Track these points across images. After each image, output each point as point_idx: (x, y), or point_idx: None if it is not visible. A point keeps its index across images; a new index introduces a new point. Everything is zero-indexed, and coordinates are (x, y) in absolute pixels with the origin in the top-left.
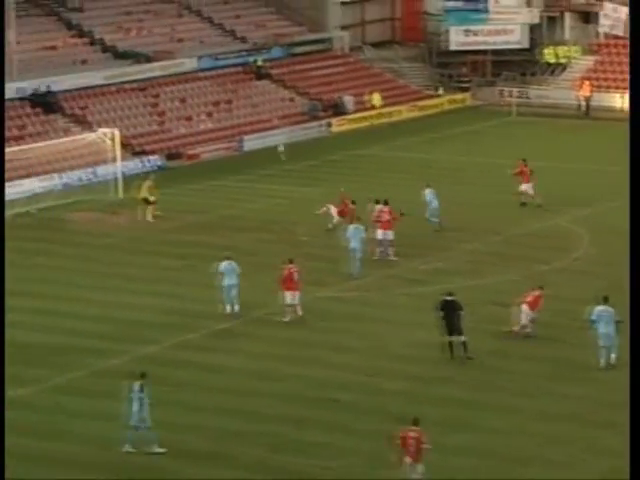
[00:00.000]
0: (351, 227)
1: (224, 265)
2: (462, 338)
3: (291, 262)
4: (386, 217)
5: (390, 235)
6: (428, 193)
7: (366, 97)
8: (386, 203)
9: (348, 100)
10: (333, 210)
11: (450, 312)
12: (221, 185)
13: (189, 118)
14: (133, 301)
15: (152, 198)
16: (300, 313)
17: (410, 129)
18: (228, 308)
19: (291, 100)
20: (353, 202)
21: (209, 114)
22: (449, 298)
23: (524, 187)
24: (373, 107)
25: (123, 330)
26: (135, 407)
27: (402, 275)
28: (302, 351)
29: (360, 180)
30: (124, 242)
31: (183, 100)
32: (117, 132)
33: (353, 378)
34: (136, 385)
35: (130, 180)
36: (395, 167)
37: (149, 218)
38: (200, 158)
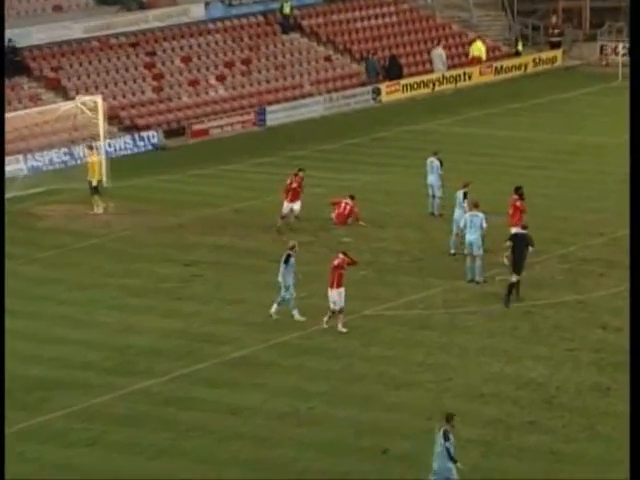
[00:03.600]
0: (467, 215)
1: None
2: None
3: (345, 255)
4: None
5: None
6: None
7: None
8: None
9: (438, 55)
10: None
11: (520, 246)
12: (236, 170)
13: (195, 83)
14: (125, 321)
15: (94, 181)
16: (343, 330)
17: (483, 97)
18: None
19: (327, 59)
20: (351, 197)
21: (221, 78)
22: (521, 231)
23: None
24: (476, 60)
25: (113, 358)
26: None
27: (474, 288)
28: (344, 386)
29: (417, 164)
30: (111, 244)
31: (187, 59)
32: (100, 101)
33: (411, 422)
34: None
35: (119, 164)
36: (464, 147)
37: (98, 210)
38: (209, 135)
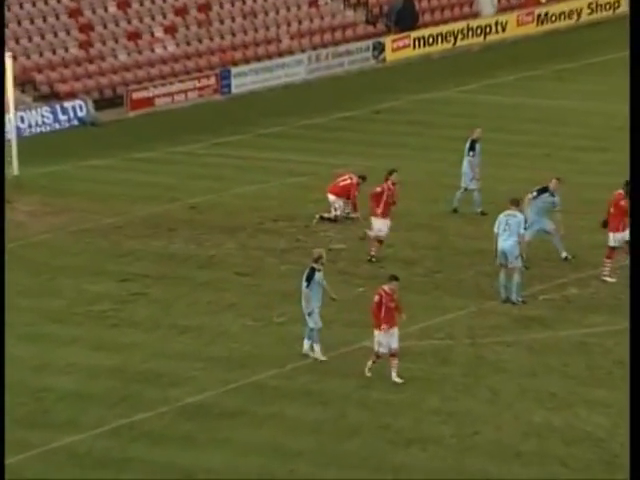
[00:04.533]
0: (501, 216)
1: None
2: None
3: (393, 280)
4: None
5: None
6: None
7: None
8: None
9: None
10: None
11: None
12: (191, 153)
13: (135, 36)
14: (42, 355)
15: None
16: (398, 380)
17: (521, 56)
18: (307, 346)
19: (313, 4)
20: (362, 177)
21: (170, 29)
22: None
23: None
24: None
25: (27, 406)
26: None
27: (509, 310)
28: (336, 442)
29: (432, 145)
30: (23, 253)
31: (124, 4)
32: (10, 60)
33: None
34: None
35: (33, 144)
36: (494, 122)
37: None
38: (154, 106)
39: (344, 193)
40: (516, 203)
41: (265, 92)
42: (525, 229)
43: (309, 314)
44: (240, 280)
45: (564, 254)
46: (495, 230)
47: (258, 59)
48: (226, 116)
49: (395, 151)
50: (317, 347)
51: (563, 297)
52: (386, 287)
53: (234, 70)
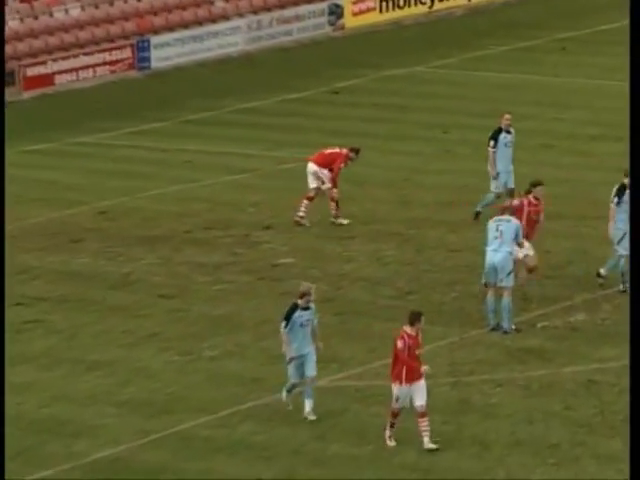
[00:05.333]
0: (491, 223)
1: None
2: None
3: (417, 320)
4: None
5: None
6: None
7: None
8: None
9: None
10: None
11: None
12: (100, 144)
13: None
14: None
15: None
16: (432, 446)
17: (513, 21)
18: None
19: None
20: (354, 150)
21: None
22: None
23: None
24: None
25: None
26: None
27: (499, 340)
28: None
29: (405, 133)
30: None
31: None
32: None
33: None
34: None
35: None
36: (480, 104)
37: None
38: (54, 85)
39: (327, 163)
40: (509, 211)
41: (193, 67)
42: (523, 238)
43: (288, 362)
44: (163, 304)
45: (603, 271)
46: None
47: (184, 26)
48: (144, 97)
49: (358, 141)
50: (308, 403)
51: (567, 324)
52: (409, 328)
53: (154, 40)
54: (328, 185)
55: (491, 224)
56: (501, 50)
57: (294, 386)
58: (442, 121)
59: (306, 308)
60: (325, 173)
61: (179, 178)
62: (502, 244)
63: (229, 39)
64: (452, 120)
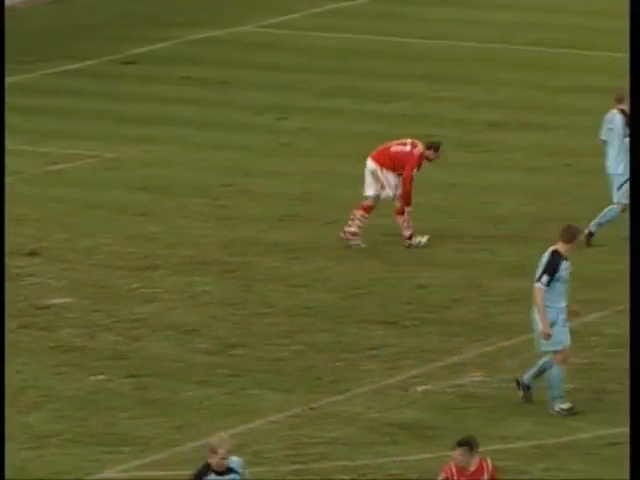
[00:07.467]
0: None
1: None
2: None
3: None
4: None
5: None
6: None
7: None
8: None
9: None
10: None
11: None
12: None
13: None
14: None
15: None
16: None
17: None
18: None
19: None
20: (433, 147)
21: None
22: None
23: None
24: None
25: None
26: None
27: (364, 413)
28: None
29: (224, 120)
30: None
31: None
32: None
33: None
34: None
35: None
36: (346, 79)
37: None
38: None
39: (393, 165)
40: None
41: None
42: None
43: None
44: None
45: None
46: None
47: None
48: None
49: (158, 130)
50: None
51: (456, 388)
52: (455, 458)
53: None
54: (389, 193)
55: None
56: (362, 2)
57: None
58: (277, 102)
59: (222, 473)
60: (390, 178)
61: None
62: None
63: None
64: (291, 101)
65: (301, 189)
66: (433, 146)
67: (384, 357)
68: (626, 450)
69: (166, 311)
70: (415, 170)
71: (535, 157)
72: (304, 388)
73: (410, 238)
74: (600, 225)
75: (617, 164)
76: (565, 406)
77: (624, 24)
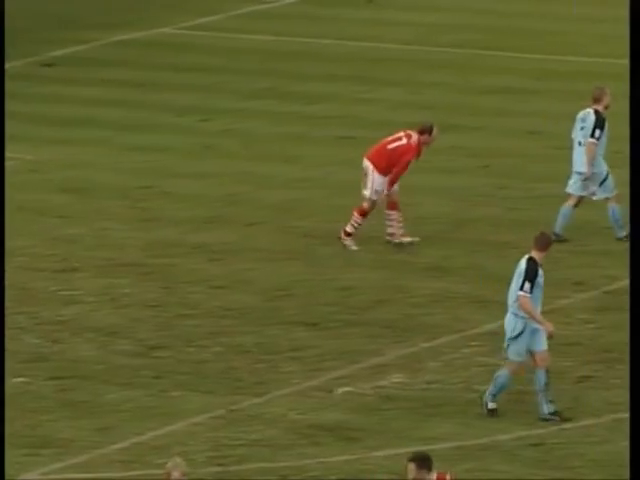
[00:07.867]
0: None
1: None
2: None
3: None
4: None
5: None
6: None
7: None
8: None
9: None
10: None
11: None
12: None
13: None
14: None
15: None
16: None
17: None
18: None
19: None
20: (425, 131)
21: None
22: None
23: None
24: None
25: None
26: None
27: (285, 415)
28: None
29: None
30: None
31: None
32: None
33: None
34: None
35: None
36: (266, 80)
37: None
38: None
39: (388, 165)
40: None
41: None
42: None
43: None
44: None
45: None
46: None
47: None
48: None
49: (79, 132)
50: None
51: (377, 390)
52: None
53: None
54: (366, 194)
55: None
56: (284, 3)
57: None
58: (199, 104)
59: None
60: (376, 181)
61: None
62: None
63: None
64: (213, 103)
65: (224, 191)
66: (426, 130)
67: (306, 359)
68: (547, 450)
69: (88, 313)
70: (414, 159)
71: (455, 158)
72: (226, 390)
73: (392, 235)
74: (563, 227)
75: (582, 163)
76: (490, 406)
77: (546, 25)
